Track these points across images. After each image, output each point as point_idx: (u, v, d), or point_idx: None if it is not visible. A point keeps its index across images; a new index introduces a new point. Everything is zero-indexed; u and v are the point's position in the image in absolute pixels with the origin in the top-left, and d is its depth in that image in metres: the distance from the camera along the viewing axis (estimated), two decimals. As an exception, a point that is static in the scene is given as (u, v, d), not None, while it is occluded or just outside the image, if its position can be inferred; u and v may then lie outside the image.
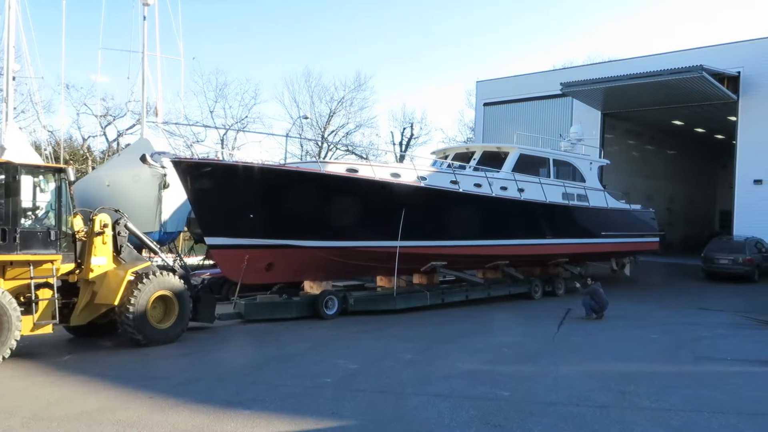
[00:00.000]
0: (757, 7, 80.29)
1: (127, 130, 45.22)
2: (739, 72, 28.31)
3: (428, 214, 16.05)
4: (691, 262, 27.69)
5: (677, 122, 36.07)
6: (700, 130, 38.22)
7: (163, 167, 16.32)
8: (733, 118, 29.51)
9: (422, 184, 16.13)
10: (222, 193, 13.59)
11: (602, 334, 13.85)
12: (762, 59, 27.85)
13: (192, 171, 13.48)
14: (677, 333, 14.26)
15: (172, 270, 12.34)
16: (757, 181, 27.90)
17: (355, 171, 15.44)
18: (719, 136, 38.67)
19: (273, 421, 7.23)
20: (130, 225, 11.84)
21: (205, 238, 14.55)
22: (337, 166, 16.33)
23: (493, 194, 17.55)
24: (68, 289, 11.00)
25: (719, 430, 7.20)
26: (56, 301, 10.47)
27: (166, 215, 19.18)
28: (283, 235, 14.44)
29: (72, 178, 10.89)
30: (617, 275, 25.10)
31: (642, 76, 26.66)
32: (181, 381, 9.06)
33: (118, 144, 44.78)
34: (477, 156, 19.52)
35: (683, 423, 7.42)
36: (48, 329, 10.56)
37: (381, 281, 17.79)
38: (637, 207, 25.12)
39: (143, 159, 12.92)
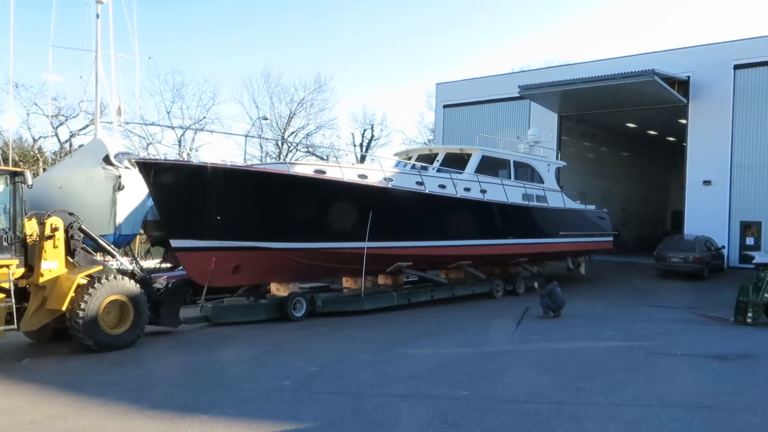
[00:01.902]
0: (707, 12, 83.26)
1: (80, 130, 43.92)
2: (688, 77, 29.31)
3: (396, 215, 16.11)
4: (644, 260, 28.48)
5: (631, 125, 37.09)
6: (652, 132, 39.38)
7: (126, 168, 15.89)
8: (684, 121, 30.53)
9: (389, 185, 16.17)
10: (189, 195, 13.35)
11: (559, 332, 14.13)
12: (710, 64, 28.91)
13: (158, 172, 13.18)
14: (630, 330, 14.68)
15: (132, 274, 12.07)
16: (707, 182, 28.91)
17: (323, 172, 15.37)
18: (671, 139, 39.92)
19: (231, 426, 7.15)
20: (84, 228, 11.53)
21: (171, 241, 14.25)
22: (304, 167, 16.22)
23: (458, 195, 17.72)
24: (19, 293, 10.62)
25: (668, 423, 7.43)
26: (13, 306, 10.12)
27: (121, 218, 18.66)
28: (251, 237, 14.29)
29: (30, 182, 10.53)
30: (573, 274, 25.65)
31: (597, 80, 27.31)
32: (136, 387, 8.86)
33: (70, 145, 43.42)
34: (440, 158, 19.67)
35: (635, 417, 7.64)
36: None
37: (347, 282, 17.74)
38: (592, 207, 25.73)
39: (107, 160, 12.59)
